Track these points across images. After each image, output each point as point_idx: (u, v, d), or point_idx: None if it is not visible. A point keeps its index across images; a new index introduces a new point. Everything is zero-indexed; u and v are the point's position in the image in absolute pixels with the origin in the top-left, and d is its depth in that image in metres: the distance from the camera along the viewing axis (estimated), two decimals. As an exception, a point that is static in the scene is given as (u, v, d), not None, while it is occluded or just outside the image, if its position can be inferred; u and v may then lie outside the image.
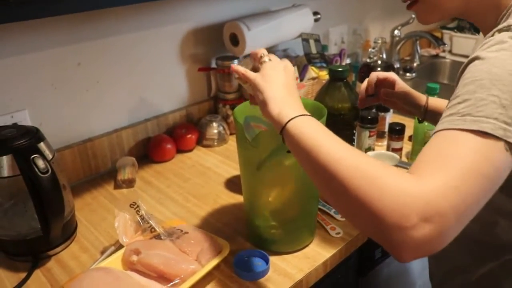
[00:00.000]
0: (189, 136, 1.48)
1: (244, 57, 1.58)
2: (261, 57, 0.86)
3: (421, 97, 1.17)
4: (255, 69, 0.86)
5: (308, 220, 1.03)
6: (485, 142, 0.60)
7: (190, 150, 1.50)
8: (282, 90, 0.80)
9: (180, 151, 1.48)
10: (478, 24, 0.85)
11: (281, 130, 0.75)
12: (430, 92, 1.33)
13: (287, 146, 0.75)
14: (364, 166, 0.63)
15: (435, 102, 1.17)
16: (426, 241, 0.56)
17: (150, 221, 1.01)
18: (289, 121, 0.74)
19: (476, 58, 0.67)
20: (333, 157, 0.65)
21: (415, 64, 2.29)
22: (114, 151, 1.40)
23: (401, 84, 1.16)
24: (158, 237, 1.00)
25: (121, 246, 1.01)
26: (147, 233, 1.03)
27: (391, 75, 1.16)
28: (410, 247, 0.57)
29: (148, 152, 1.45)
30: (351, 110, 1.21)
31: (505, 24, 0.69)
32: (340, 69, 1.19)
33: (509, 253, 0.83)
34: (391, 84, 1.15)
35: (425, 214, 0.56)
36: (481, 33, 1.02)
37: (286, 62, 0.86)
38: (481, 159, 0.59)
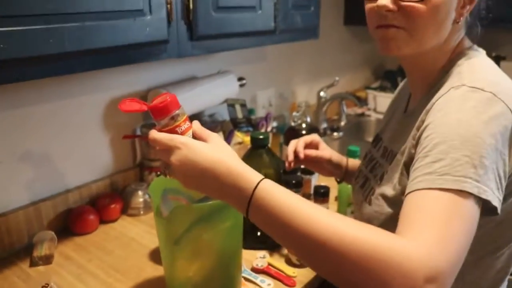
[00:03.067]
0: (113, 206, 1.43)
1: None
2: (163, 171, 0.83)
3: (342, 159, 1.23)
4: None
5: (232, 293, 1.01)
6: (463, 199, 0.67)
7: (115, 220, 1.45)
8: (235, 160, 0.74)
9: (104, 221, 1.43)
10: (418, 73, 0.92)
11: (247, 208, 0.69)
12: (350, 155, 1.38)
13: (253, 222, 0.71)
14: (356, 233, 0.63)
15: (354, 163, 1.23)
16: None
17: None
18: (256, 187, 0.69)
19: (440, 117, 0.74)
20: (320, 227, 0.64)
21: (342, 123, 2.37)
22: (31, 225, 1.33)
23: (324, 146, 1.23)
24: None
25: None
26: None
27: (315, 137, 1.22)
28: None
29: (69, 224, 1.38)
30: (274, 176, 1.22)
31: (457, 83, 0.77)
32: (261, 137, 1.21)
33: None
34: (315, 146, 1.22)
35: (429, 276, 0.60)
36: (399, 87, 1.12)
37: (186, 143, 0.74)
38: (462, 214, 0.66)
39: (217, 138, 0.77)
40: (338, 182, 1.29)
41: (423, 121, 0.79)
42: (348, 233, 0.63)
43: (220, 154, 0.73)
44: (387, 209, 0.88)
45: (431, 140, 0.73)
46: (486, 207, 0.70)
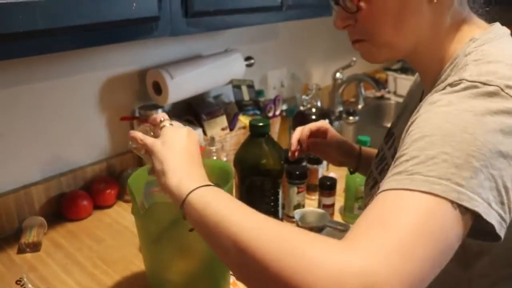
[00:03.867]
0: (108, 191, 1.36)
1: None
2: (161, 121, 0.78)
3: (354, 147, 1.11)
4: (156, 136, 0.78)
5: (219, 294, 0.93)
6: (434, 205, 0.53)
7: (110, 206, 1.38)
8: (183, 159, 0.72)
9: (98, 207, 1.37)
10: (420, 69, 0.79)
11: (181, 204, 0.66)
12: (361, 145, 1.27)
13: (189, 223, 0.66)
14: (286, 236, 0.54)
15: (369, 151, 1.11)
16: None
17: (35, 302, 0.89)
18: (189, 193, 0.65)
19: (425, 112, 0.61)
20: (245, 232, 0.57)
21: (359, 107, 2.26)
22: (22, 210, 1.27)
23: (333, 133, 1.10)
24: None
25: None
26: (36, 314, 0.91)
27: (323, 124, 1.11)
28: None
29: (61, 209, 1.32)
30: (275, 167, 1.13)
31: (456, 77, 0.63)
32: (260, 124, 1.12)
33: None
34: (323, 133, 1.10)
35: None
36: (415, 76, 0.97)
37: (189, 128, 0.78)
38: (428, 220, 0.52)
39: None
40: (351, 173, 1.17)
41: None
42: (279, 236, 0.55)
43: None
44: None
45: (411, 137, 0.60)
46: (483, 226, 0.55)
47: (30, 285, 0.91)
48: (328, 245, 0.52)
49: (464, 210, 0.54)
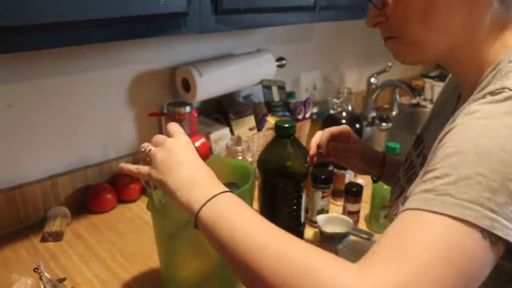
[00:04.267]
0: (132, 185, 1.37)
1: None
2: (144, 150, 0.75)
3: (378, 154, 1.06)
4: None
5: (233, 296, 0.92)
6: (463, 231, 0.49)
7: (133, 201, 1.39)
8: (180, 174, 0.69)
9: (122, 201, 1.38)
10: (458, 75, 0.73)
11: (195, 224, 0.65)
12: (389, 152, 1.23)
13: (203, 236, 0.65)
14: (298, 256, 0.52)
15: (393, 159, 1.06)
16: None
17: (50, 291, 0.90)
18: (197, 213, 0.64)
19: (461, 124, 0.56)
20: (255, 252, 0.55)
21: (394, 113, 2.20)
22: (48, 200, 1.29)
23: (356, 138, 1.05)
24: (58, 309, 0.89)
25: (18, 318, 0.89)
26: (51, 303, 0.91)
27: (346, 128, 1.05)
28: None
29: (85, 201, 1.34)
30: (299, 170, 1.11)
31: (497, 85, 0.57)
32: (286, 125, 1.09)
33: None
34: (345, 139, 1.04)
35: None
36: (448, 78, 0.91)
37: (171, 139, 0.74)
38: (453, 250, 0.49)
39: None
40: (374, 182, 1.13)
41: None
42: (289, 254, 0.53)
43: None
44: None
45: (444, 150, 0.55)
46: None
47: (46, 274, 0.91)
48: (342, 267, 0.50)
49: (495, 239, 0.49)
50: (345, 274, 0.49)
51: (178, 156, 0.70)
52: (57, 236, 1.20)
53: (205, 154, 0.77)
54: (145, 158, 0.74)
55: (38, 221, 1.27)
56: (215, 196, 0.64)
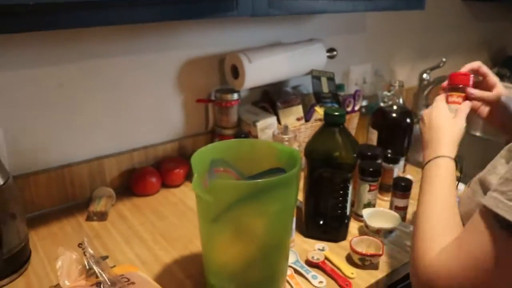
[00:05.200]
0: (177, 170, 1.37)
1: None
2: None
3: None
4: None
5: (275, 285, 0.89)
6: None
7: (177, 186, 1.39)
8: (433, 135, 0.91)
9: (166, 186, 1.38)
10: None
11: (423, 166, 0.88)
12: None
13: None
14: (432, 219, 0.75)
15: None
16: None
17: (93, 266, 0.90)
18: (426, 163, 0.87)
19: None
20: (428, 205, 0.79)
21: (446, 112, 2.11)
22: (94, 180, 1.31)
23: (493, 79, 0.96)
24: (100, 284, 0.89)
25: (62, 290, 0.90)
26: (93, 277, 0.91)
27: (479, 65, 0.98)
28: None
29: (130, 184, 1.35)
30: (347, 159, 1.07)
31: None
32: (336, 113, 1.06)
33: None
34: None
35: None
36: None
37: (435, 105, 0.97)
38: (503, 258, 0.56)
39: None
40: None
41: None
42: (433, 215, 0.76)
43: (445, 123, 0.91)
44: (478, 198, 0.72)
45: None
46: None
47: (89, 249, 0.92)
48: (441, 238, 0.69)
49: None
50: (433, 250, 0.70)
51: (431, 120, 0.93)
52: (102, 216, 1.21)
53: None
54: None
55: (84, 200, 1.29)
56: (437, 157, 0.85)
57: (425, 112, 0.96)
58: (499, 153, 0.76)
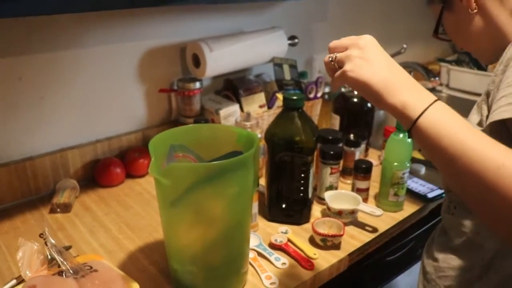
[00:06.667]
0: (141, 160, 1.37)
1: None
2: (331, 60, 0.73)
3: None
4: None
5: (236, 267, 0.91)
6: None
7: (142, 176, 1.39)
8: (389, 74, 0.66)
9: (131, 176, 1.38)
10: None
11: (410, 128, 0.63)
12: (400, 131, 1.20)
13: (416, 142, 0.64)
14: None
15: None
16: None
17: (55, 255, 0.90)
18: (419, 116, 0.61)
19: None
20: (492, 166, 0.55)
21: (408, 97, 2.16)
22: (57, 172, 1.30)
23: None
24: (62, 273, 0.89)
25: (23, 280, 0.90)
26: (56, 267, 0.91)
27: None
28: None
29: (94, 175, 1.34)
30: (306, 143, 1.09)
31: None
32: (294, 97, 1.08)
33: None
34: None
35: None
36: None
37: (361, 37, 0.71)
38: None
39: None
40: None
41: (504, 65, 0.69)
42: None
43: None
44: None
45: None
46: None
47: (50, 239, 0.92)
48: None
49: None
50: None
51: (376, 54, 0.67)
52: (65, 208, 1.21)
53: None
54: (334, 68, 0.72)
55: (47, 193, 1.28)
56: (433, 103, 0.62)
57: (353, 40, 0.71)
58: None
